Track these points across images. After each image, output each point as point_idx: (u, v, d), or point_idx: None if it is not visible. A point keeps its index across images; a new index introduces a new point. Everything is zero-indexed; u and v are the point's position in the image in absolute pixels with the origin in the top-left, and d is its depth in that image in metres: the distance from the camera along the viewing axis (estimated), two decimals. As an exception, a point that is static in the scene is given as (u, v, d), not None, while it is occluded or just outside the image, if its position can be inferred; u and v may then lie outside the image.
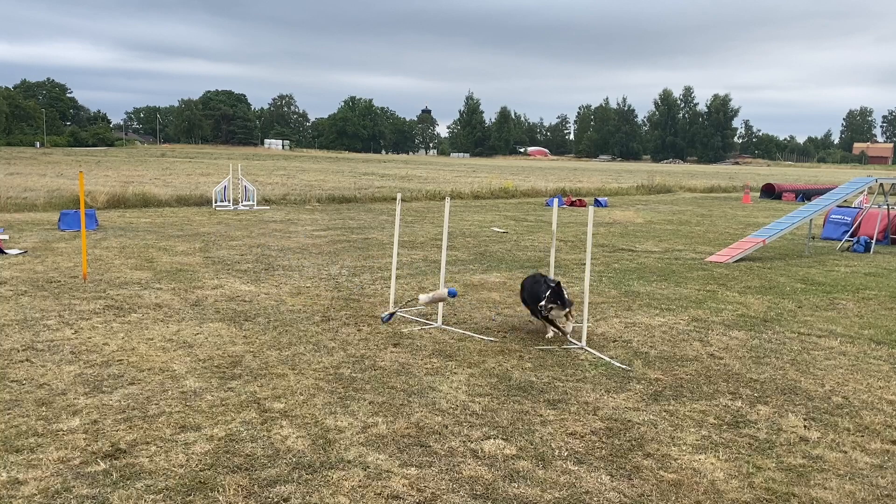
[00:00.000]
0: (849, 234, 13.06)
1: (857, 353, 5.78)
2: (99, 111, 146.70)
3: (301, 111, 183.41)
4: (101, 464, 3.41)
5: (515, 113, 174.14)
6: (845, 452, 3.84)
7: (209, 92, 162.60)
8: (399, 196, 7.30)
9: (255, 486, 3.25)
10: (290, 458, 3.54)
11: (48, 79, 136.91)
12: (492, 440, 3.84)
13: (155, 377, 4.66)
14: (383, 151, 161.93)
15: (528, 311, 6.23)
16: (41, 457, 3.47)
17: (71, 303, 6.58)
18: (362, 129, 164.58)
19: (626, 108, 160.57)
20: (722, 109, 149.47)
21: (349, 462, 3.52)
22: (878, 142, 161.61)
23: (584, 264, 5.99)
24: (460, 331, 6.08)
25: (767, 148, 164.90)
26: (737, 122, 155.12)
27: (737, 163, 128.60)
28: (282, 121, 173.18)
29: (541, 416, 4.21)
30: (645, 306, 7.27)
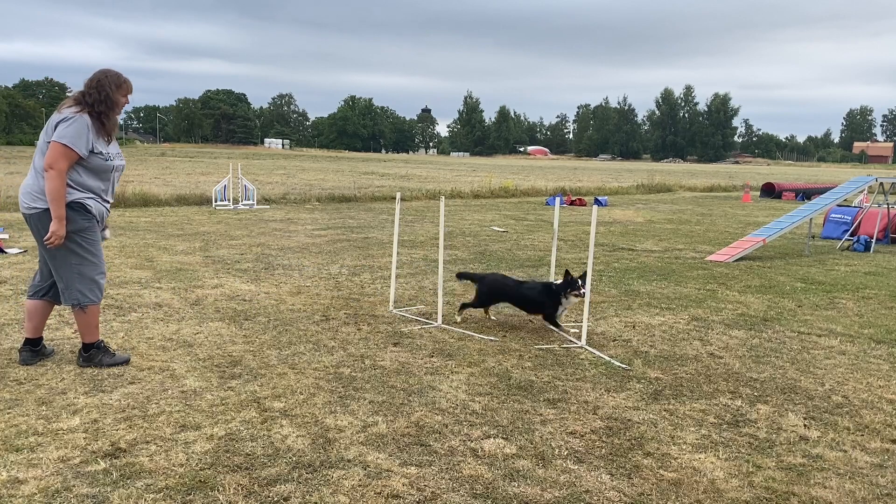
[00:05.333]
0: (849, 233, 13.06)
1: (856, 352, 5.78)
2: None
3: (301, 110, 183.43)
4: (102, 463, 3.41)
5: (515, 112, 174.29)
6: (845, 451, 3.84)
7: (209, 91, 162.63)
8: (399, 195, 7.30)
9: (255, 485, 3.25)
10: (290, 458, 3.54)
11: (47, 78, 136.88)
12: (492, 439, 3.84)
13: (155, 376, 4.66)
14: (383, 151, 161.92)
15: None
16: (41, 456, 3.47)
17: (71, 302, 6.57)
18: (362, 128, 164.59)
19: (626, 108, 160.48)
20: (722, 108, 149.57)
21: (349, 461, 3.52)
22: (878, 141, 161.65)
23: (584, 263, 6.00)
24: (460, 330, 6.08)
25: (767, 147, 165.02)
26: (737, 122, 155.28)
27: (737, 162, 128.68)
28: (282, 120, 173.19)
29: (541, 415, 4.21)
30: (645, 305, 7.27)
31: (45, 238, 4.51)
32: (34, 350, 4.90)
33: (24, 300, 6.62)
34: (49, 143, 4.47)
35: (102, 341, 4.93)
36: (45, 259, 4.77)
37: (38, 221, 4.59)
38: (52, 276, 4.78)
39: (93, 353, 4.82)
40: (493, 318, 6.54)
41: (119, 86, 4.68)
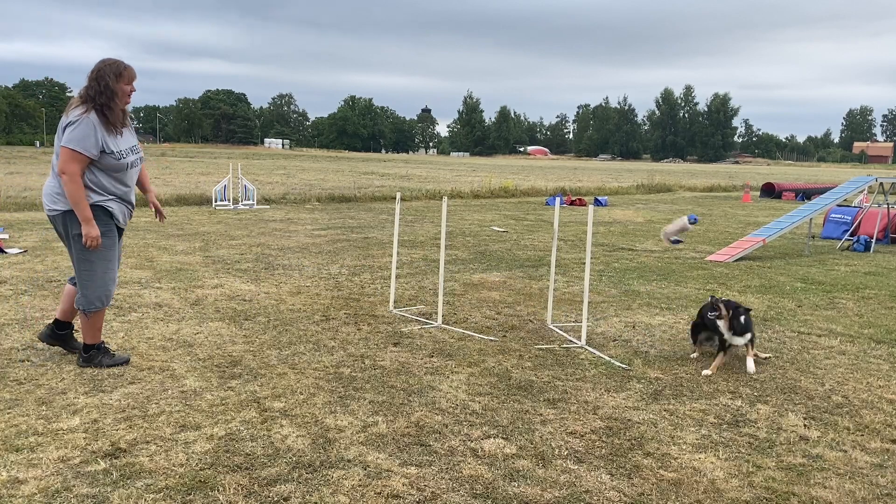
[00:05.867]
0: (849, 233, 13.06)
1: (856, 352, 5.78)
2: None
3: (301, 110, 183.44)
4: (102, 463, 3.42)
5: (515, 112, 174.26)
6: (845, 451, 3.84)
7: (209, 91, 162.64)
8: (399, 195, 7.30)
9: (255, 485, 3.25)
10: (290, 458, 3.54)
11: (47, 78, 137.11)
12: (492, 439, 3.84)
13: (155, 376, 4.66)
14: (383, 151, 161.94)
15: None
16: (41, 456, 3.48)
17: (71, 302, 6.58)
18: (362, 128, 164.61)
19: (626, 108, 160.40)
20: (722, 108, 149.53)
21: (349, 461, 3.52)
22: (878, 141, 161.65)
23: (584, 263, 6.00)
24: (460, 330, 6.08)
25: (767, 147, 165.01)
26: (737, 122, 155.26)
27: (737, 162, 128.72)
28: (282, 120, 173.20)
29: (541, 415, 4.21)
30: (645, 305, 7.27)
31: (84, 243, 4.57)
32: (57, 332, 5.01)
33: (24, 300, 6.64)
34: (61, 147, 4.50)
35: (103, 343, 4.94)
36: None
37: (58, 222, 4.67)
38: None
39: (92, 354, 4.82)
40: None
41: (119, 74, 4.52)
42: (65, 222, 4.62)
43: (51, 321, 5.11)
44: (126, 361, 4.90)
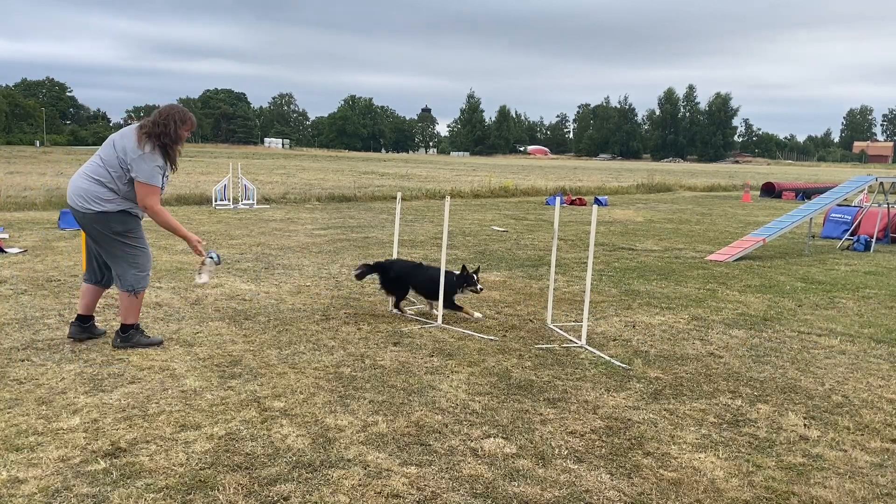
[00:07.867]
0: (849, 232, 13.06)
1: (856, 351, 5.78)
2: (99, 110, 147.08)
3: (301, 110, 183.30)
4: (102, 462, 3.42)
5: (515, 112, 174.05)
6: (845, 451, 3.85)
7: (209, 90, 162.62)
8: (399, 195, 7.30)
9: (255, 485, 3.25)
10: (290, 457, 3.54)
11: (48, 77, 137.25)
12: (492, 439, 3.84)
13: (155, 376, 4.66)
14: (383, 150, 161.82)
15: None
16: (41, 455, 3.48)
17: (71, 301, 6.58)
18: (362, 127, 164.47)
19: (626, 107, 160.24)
20: (722, 108, 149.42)
21: (349, 461, 3.52)
22: (878, 140, 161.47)
23: (585, 263, 5.99)
24: (460, 329, 6.08)
25: (767, 146, 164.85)
26: (737, 121, 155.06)
27: (737, 161, 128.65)
28: (282, 120, 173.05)
29: (541, 414, 4.22)
30: (645, 305, 7.27)
31: (195, 246, 5.23)
32: (83, 326, 5.37)
33: (24, 299, 6.64)
34: (121, 165, 4.97)
35: (139, 323, 5.33)
36: (95, 254, 5.27)
37: (92, 221, 5.04)
38: (102, 270, 5.29)
39: (131, 334, 5.21)
40: None
41: (184, 121, 5.15)
42: (106, 221, 5.02)
43: (74, 319, 5.42)
44: (160, 343, 5.31)
